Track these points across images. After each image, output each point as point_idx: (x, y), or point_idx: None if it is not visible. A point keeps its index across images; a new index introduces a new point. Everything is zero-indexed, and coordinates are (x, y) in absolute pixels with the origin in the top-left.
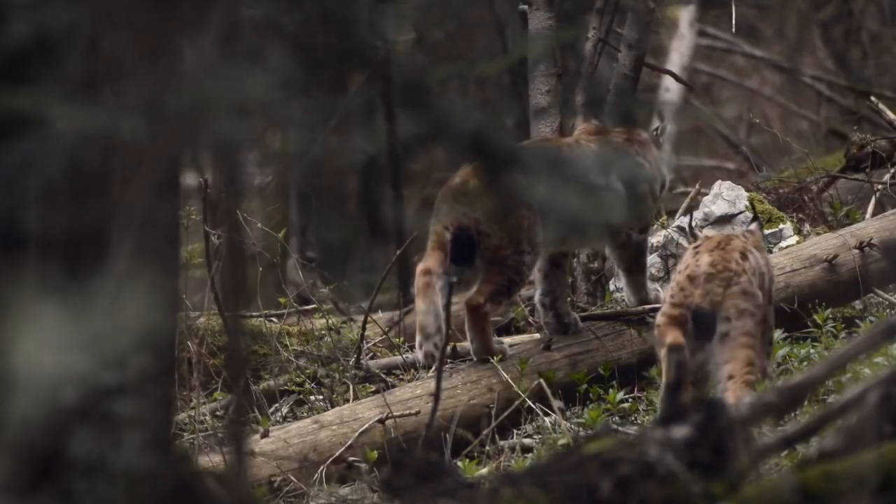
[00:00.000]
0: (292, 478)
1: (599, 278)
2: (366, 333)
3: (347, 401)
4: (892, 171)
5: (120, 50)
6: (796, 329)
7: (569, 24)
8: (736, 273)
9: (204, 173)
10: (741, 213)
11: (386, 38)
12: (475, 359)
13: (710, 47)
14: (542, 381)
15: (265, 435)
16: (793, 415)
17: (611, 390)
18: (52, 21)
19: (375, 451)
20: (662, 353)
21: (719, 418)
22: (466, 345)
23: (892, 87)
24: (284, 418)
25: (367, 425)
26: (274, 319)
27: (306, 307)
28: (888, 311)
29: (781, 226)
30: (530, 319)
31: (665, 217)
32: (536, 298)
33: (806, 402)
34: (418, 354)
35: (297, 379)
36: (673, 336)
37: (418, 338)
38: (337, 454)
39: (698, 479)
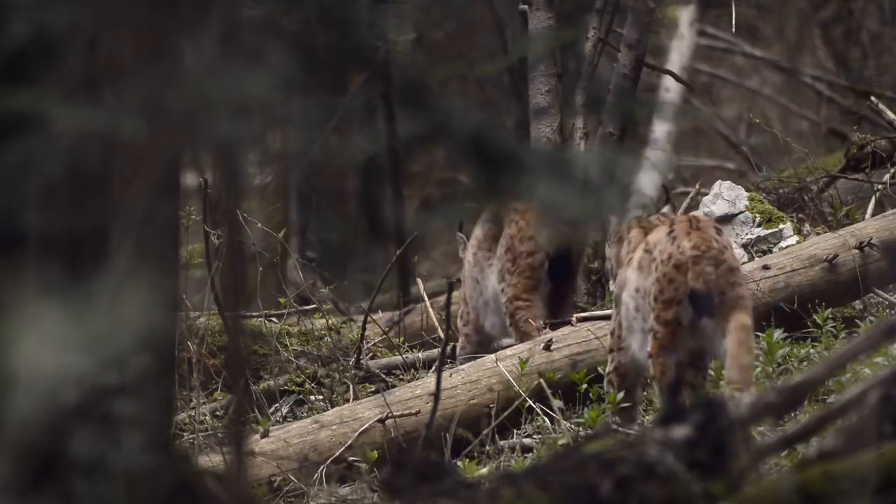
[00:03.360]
0: (292, 478)
1: (599, 278)
2: (366, 333)
3: (347, 401)
4: (892, 171)
5: (120, 50)
6: (796, 329)
7: (569, 24)
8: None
9: (204, 173)
10: (741, 213)
11: (386, 38)
12: None
13: (710, 47)
14: (542, 381)
15: (265, 435)
16: (793, 415)
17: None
18: (52, 21)
19: (375, 451)
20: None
21: (719, 418)
22: None
23: (892, 87)
24: (284, 418)
25: (367, 425)
26: (274, 319)
27: (306, 307)
28: (888, 311)
29: (781, 226)
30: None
31: None
32: None
33: (806, 402)
34: None
35: (297, 379)
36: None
37: None
38: (337, 454)
39: (698, 479)
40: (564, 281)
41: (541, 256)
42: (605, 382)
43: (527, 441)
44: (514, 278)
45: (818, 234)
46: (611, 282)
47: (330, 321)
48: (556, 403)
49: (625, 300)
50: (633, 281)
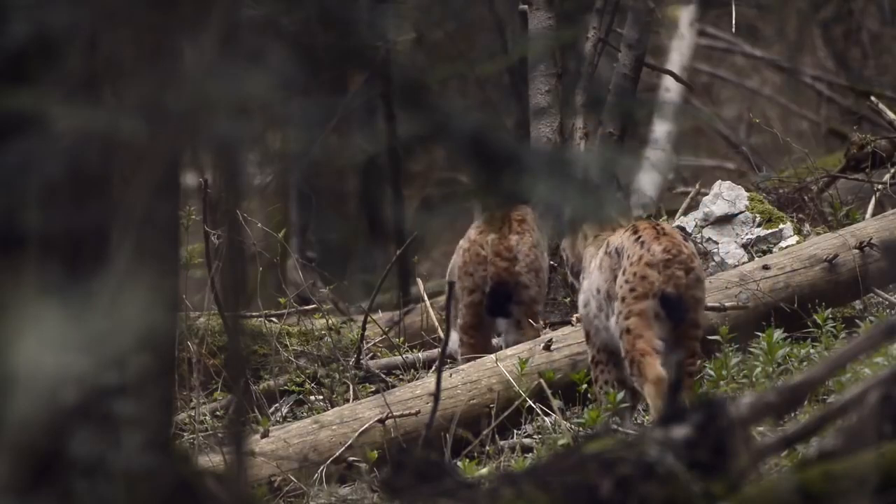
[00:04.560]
0: (292, 478)
1: None
2: (366, 333)
3: (347, 401)
4: (892, 171)
5: (120, 50)
6: (796, 329)
7: (569, 24)
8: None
9: (204, 173)
10: (741, 213)
11: (386, 38)
12: None
13: (710, 47)
14: (542, 381)
15: (265, 435)
16: (793, 415)
17: (611, 390)
18: (52, 21)
19: (375, 451)
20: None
21: (719, 418)
22: None
23: (892, 87)
24: (284, 418)
25: (367, 425)
26: (274, 319)
27: (306, 307)
28: (888, 311)
29: (781, 226)
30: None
31: (665, 217)
32: None
33: (806, 402)
34: None
35: (297, 379)
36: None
37: None
38: (337, 454)
39: (698, 479)
40: (503, 315)
41: (478, 295)
42: (592, 365)
43: (527, 441)
44: (462, 310)
45: (818, 234)
46: (567, 271)
47: (330, 321)
48: (556, 403)
49: (587, 300)
50: (595, 280)
